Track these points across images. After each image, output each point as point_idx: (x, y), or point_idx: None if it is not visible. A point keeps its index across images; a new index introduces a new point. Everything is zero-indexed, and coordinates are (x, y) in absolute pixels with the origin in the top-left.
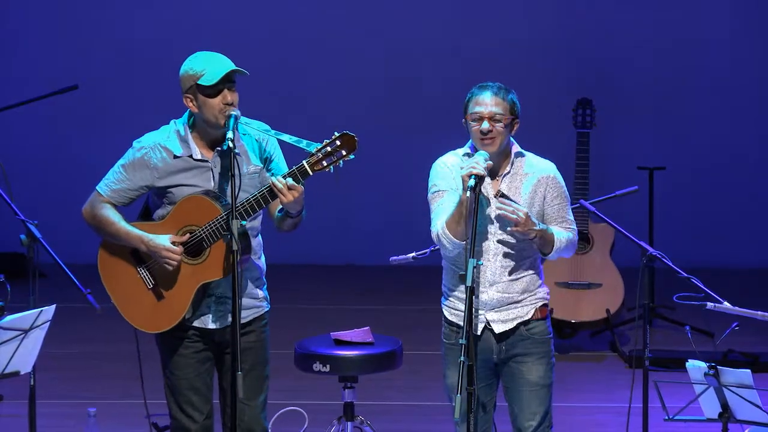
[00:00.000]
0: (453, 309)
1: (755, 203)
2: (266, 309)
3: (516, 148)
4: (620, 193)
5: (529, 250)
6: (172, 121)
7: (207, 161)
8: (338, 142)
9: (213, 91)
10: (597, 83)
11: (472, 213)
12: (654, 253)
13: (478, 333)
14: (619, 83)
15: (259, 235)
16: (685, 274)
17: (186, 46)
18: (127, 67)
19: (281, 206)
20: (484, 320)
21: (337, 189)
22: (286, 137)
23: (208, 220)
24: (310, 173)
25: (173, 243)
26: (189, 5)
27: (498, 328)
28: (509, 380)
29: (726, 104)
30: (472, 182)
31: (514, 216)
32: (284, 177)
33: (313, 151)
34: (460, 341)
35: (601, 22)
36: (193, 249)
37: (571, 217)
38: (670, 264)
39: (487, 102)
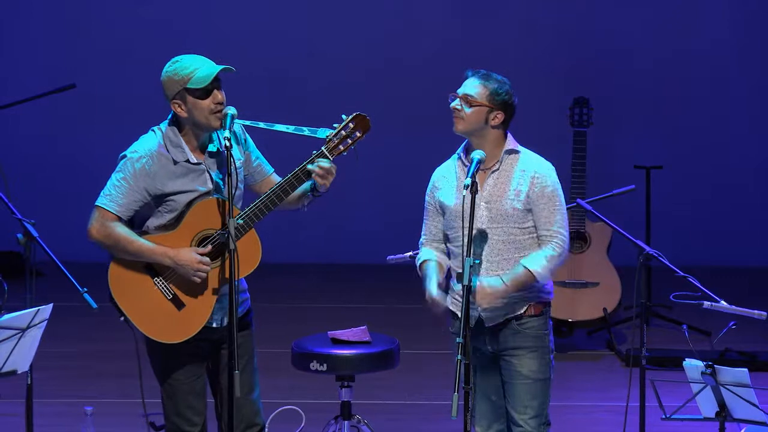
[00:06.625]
0: (452, 298)
1: (752, 202)
2: (249, 299)
3: (509, 145)
4: (617, 192)
5: (520, 249)
6: (154, 128)
7: (201, 163)
8: (352, 125)
9: (203, 92)
10: (594, 82)
11: (469, 213)
12: (651, 252)
13: (472, 324)
14: (615, 82)
15: None
16: (682, 273)
17: (185, 45)
18: (125, 66)
19: (305, 186)
20: (477, 313)
21: (334, 188)
22: (286, 128)
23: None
24: (330, 159)
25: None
26: (187, 4)
27: (488, 322)
28: (505, 374)
29: (723, 103)
30: (468, 181)
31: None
32: (311, 161)
33: (328, 136)
34: (457, 340)
35: (597, 20)
36: (213, 252)
37: (557, 226)
38: (667, 263)
39: (466, 83)
